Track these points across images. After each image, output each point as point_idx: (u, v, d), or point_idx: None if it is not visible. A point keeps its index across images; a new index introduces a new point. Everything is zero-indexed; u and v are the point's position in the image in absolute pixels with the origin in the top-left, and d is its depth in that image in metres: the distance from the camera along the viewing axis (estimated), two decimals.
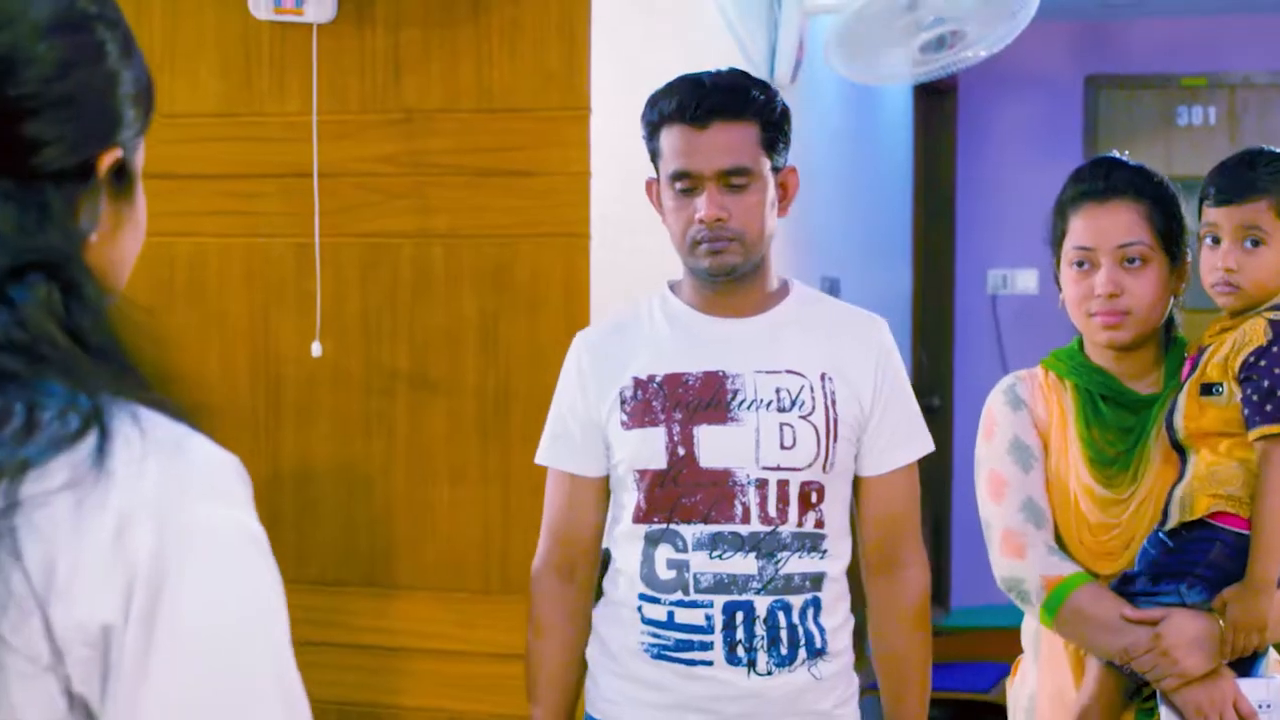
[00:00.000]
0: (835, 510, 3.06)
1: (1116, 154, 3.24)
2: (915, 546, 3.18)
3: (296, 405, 4.26)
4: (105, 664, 1.21)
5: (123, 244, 1.44)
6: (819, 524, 3.03)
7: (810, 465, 3.01)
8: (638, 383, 3.07)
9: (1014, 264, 8.78)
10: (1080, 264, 3.13)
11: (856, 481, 3.13)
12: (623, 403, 3.07)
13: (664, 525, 3.02)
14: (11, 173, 1.34)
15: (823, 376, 3.04)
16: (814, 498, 3.02)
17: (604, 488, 3.16)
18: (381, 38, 4.17)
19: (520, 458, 3.98)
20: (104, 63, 1.40)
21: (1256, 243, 3.01)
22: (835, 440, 3.03)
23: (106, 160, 1.40)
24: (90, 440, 1.25)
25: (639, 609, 3.07)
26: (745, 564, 2.98)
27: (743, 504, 2.99)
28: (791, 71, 5.56)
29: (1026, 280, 8.75)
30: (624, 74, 4.20)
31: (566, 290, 4.05)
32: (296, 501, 4.26)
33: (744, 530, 2.99)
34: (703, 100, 2.99)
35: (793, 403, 3.02)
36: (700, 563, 2.99)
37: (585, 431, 3.12)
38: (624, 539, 3.10)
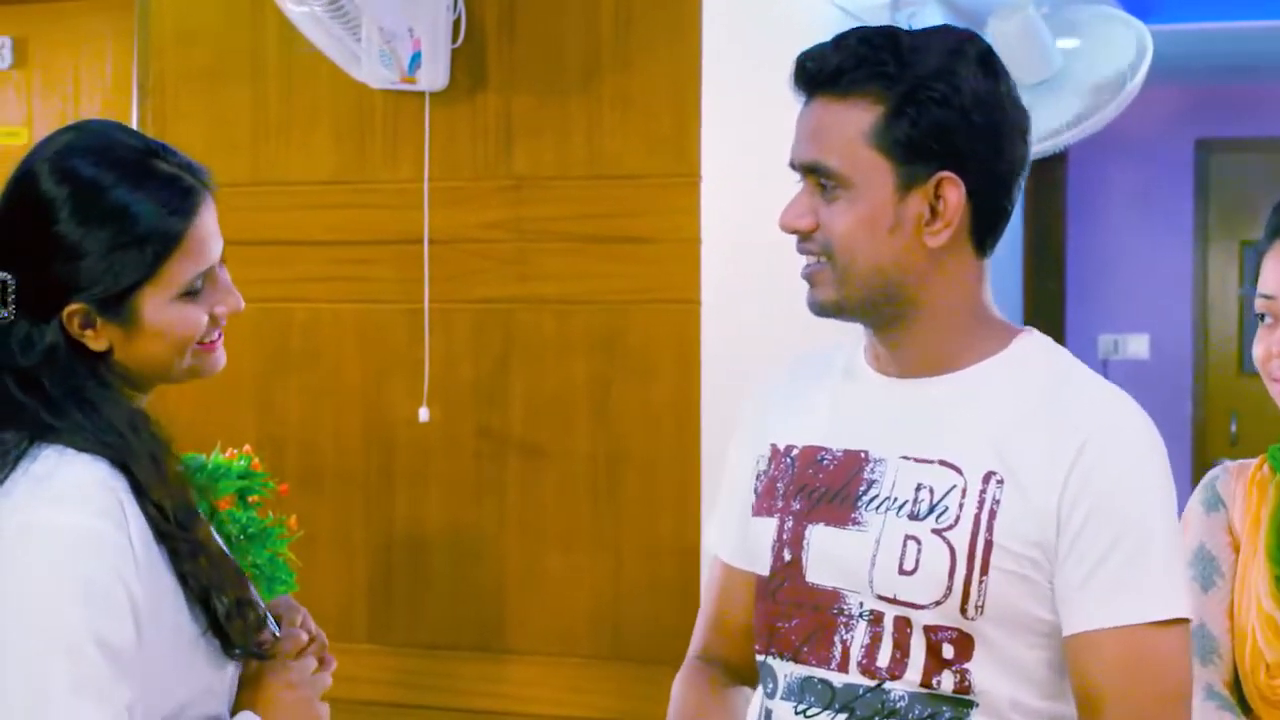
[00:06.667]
0: (997, 675, 2.02)
1: None
2: None
3: (408, 470, 4.28)
4: None
5: (140, 350, 1.99)
6: (961, 689, 2.01)
7: (937, 603, 2.00)
8: (774, 453, 2.19)
9: (1126, 329, 8.70)
10: (1263, 317, 2.36)
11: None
12: (757, 477, 2.22)
13: (763, 656, 2.16)
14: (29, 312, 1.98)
15: (987, 477, 2.00)
16: (949, 651, 2.01)
17: None
18: (493, 106, 4.20)
19: (631, 523, 3.98)
20: (55, 241, 1.94)
21: None
22: (984, 571, 1.98)
23: (69, 311, 1.96)
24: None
25: None
26: None
27: (842, 642, 2.06)
28: None
29: (1138, 345, 8.65)
30: (735, 140, 4.21)
31: (678, 356, 4.05)
32: (408, 566, 4.27)
33: (836, 680, 2.06)
34: (810, 61, 2.10)
35: (930, 509, 2.02)
36: (784, 718, 2.10)
37: (741, 508, 2.25)
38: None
